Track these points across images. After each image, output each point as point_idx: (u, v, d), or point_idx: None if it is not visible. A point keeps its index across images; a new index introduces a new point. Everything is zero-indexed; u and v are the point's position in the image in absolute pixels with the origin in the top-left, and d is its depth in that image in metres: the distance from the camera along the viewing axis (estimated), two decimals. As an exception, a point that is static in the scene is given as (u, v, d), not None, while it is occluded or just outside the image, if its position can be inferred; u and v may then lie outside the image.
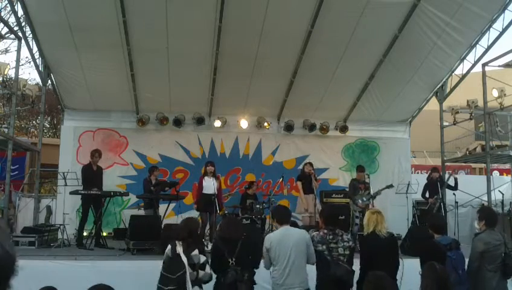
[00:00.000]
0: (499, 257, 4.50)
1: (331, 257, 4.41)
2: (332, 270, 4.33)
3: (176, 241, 4.28)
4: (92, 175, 8.42)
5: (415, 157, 16.98)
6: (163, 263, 4.32)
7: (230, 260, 4.42)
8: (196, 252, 4.21)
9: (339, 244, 4.51)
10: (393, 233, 4.97)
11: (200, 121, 10.89)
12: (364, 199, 8.64)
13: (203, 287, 4.37)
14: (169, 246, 4.32)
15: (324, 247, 4.46)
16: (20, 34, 9.06)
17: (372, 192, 8.84)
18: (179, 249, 4.19)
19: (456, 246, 4.61)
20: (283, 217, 4.77)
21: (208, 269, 4.25)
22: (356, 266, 4.69)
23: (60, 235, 8.25)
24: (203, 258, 4.24)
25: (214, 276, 4.59)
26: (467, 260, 4.64)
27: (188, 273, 4.05)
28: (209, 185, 8.55)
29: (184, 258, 4.11)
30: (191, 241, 4.28)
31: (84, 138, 10.68)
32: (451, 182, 9.65)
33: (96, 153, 8.61)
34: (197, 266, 4.17)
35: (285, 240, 4.48)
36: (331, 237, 4.52)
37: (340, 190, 10.48)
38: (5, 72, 8.48)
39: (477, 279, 4.49)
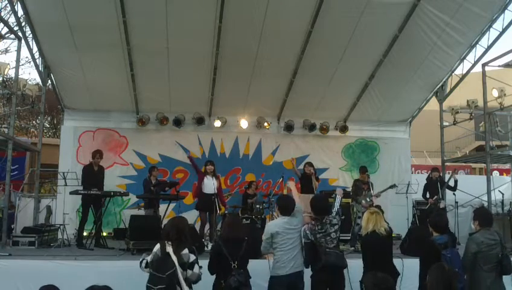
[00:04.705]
0: (495, 257, 4.49)
1: (320, 247, 4.68)
2: (324, 258, 4.62)
3: (165, 241, 4.23)
4: (92, 175, 8.42)
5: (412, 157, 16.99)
6: (151, 262, 4.25)
7: (232, 263, 4.48)
8: (186, 251, 4.17)
9: (329, 230, 4.76)
10: (391, 229, 5.02)
11: (200, 121, 10.89)
12: (368, 200, 8.65)
13: (192, 287, 4.28)
14: (157, 245, 4.26)
15: (313, 238, 4.72)
16: (20, 34, 9.05)
17: (374, 192, 8.84)
18: (169, 249, 4.14)
19: (452, 244, 4.62)
20: (287, 208, 4.94)
21: (196, 268, 4.18)
22: (359, 265, 4.86)
23: (60, 235, 8.26)
24: (192, 258, 4.19)
25: (207, 276, 4.58)
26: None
27: (179, 272, 4.03)
28: (209, 185, 8.55)
29: (174, 258, 4.08)
30: (180, 241, 4.22)
31: (84, 138, 10.69)
32: (451, 183, 9.64)
33: (97, 154, 8.62)
34: (186, 265, 4.14)
35: (289, 228, 4.81)
36: (319, 227, 4.75)
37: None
38: (5, 72, 8.48)
39: (473, 279, 4.49)
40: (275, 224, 4.93)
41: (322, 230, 4.73)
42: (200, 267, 4.35)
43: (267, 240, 4.85)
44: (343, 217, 8.44)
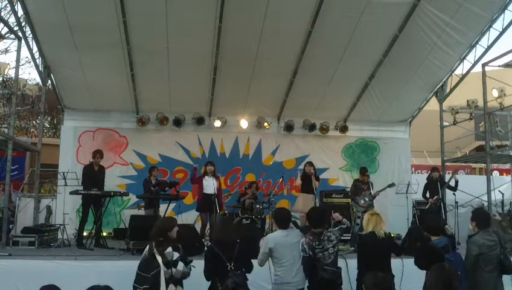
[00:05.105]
0: (495, 257, 4.50)
1: (318, 262, 4.65)
2: (320, 275, 4.60)
3: (152, 242, 4.31)
4: (92, 175, 8.43)
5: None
6: (140, 262, 4.34)
7: (228, 265, 4.46)
8: (169, 249, 4.22)
9: (327, 245, 4.73)
10: (391, 234, 5.03)
11: (200, 121, 10.89)
12: (367, 199, 8.65)
13: (183, 284, 4.34)
14: (147, 246, 4.35)
15: (311, 253, 4.69)
16: (20, 34, 9.04)
17: (373, 192, 8.85)
18: (155, 249, 4.22)
19: (453, 246, 4.63)
20: (283, 221, 4.95)
21: (180, 266, 4.22)
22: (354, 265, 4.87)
23: (60, 235, 8.26)
24: (176, 255, 4.24)
25: (202, 279, 4.57)
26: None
27: (162, 272, 4.07)
28: (209, 185, 8.56)
29: (158, 257, 4.14)
30: (163, 240, 4.29)
31: (84, 138, 10.69)
32: (452, 183, 9.64)
33: (97, 154, 8.62)
34: (170, 263, 4.18)
35: (289, 242, 4.78)
36: (317, 243, 4.71)
37: (340, 189, 10.48)
38: (5, 72, 8.47)
39: (475, 280, 4.49)
40: (274, 238, 4.88)
41: (320, 246, 4.72)
42: (191, 265, 4.37)
43: (265, 254, 4.79)
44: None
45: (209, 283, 4.63)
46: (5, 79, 8.90)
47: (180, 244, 4.42)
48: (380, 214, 5.01)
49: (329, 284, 4.67)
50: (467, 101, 9.79)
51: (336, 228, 4.98)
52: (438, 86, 10.72)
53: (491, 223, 4.83)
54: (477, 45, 9.51)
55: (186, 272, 4.30)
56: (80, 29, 8.43)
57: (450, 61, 9.92)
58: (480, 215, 4.85)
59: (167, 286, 4.12)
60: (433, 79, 10.48)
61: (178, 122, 10.75)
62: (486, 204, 9.46)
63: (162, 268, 4.10)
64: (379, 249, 4.75)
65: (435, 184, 9.55)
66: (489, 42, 9.26)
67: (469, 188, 10.24)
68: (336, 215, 5.22)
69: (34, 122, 20.31)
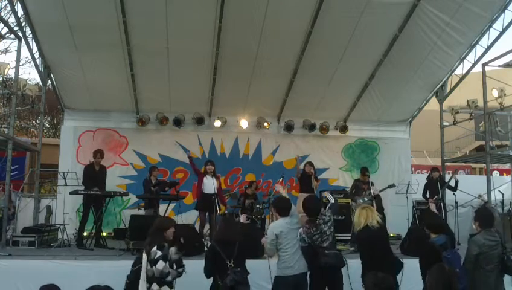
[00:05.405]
0: (496, 257, 4.49)
1: (319, 248, 4.72)
2: (323, 260, 4.67)
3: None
4: (93, 175, 8.43)
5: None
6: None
7: (228, 262, 4.53)
8: (154, 248, 4.24)
9: (324, 228, 4.79)
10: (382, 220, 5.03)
11: (200, 121, 10.90)
12: (366, 199, 8.63)
13: (172, 285, 4.29)
14: None
15: (309, 241, 4.74)
16: (20, 34, 9.05)
17: (373, 192, 8.84)
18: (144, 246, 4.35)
19: (452, 244, 4.62)
20: (286, 209, 4.98)
21: (159, 265, 4.15)
22: (359, 265, 4.86)
23: (60, 235, 8.26)
24: (158, 254, 4.21)
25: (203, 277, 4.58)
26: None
27: (143, 269, 4.14)
28: (209, 185, 8.54)
29: (144, 254, 4.23)
30: (153, 238, 4.35)
31: (84, 138, 10.69)
32: (452, 183, 9.65)
33: (98, 154, 8.63)
34: (152, 261, 4.19)
35: (291, 228, 4.85)
36: (314, 229, 4.77)
37: (340, 189, 10.48)
38: (5, 72, 8.48)
39: (475, 279, 4.49)
40: (279, 224, 4.92)
41: (317, 231, 4.76)
42: (183, 269, 4.34)
43: (272, 242, 4.83)
44: (343, 217, 8.50)
45: (211, 280, 4.70)
46: (5, 79, 8.90)
47: (166, 243, 4.38)
48: (370, 207, 5.05)
49: (332, 267, 4.74)
50: (467, 101, 9.79)
51: (326, 209, 5.07)
52: (438, 86, 10.73)
53: (494, 223, 4.81)
54: (477, 45, 9.52)
55: (165, 272, 4.20)
56: (80, 29, 8.43)
57: (450, 61, 9.93)
58: (484, 215, 4.84)
59: (151, 284, 4.12)
60: (433, 79, 10.48)
61: (178, 122, 10.75)
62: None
63: (145, 265, 4.16)
64: (377, 240, 4.77)
65: (435, 184, 9.55)
66: (489, 42, 9.27)
67: (469, 188, 10.24)
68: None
69: (34, 122, 20.31)
